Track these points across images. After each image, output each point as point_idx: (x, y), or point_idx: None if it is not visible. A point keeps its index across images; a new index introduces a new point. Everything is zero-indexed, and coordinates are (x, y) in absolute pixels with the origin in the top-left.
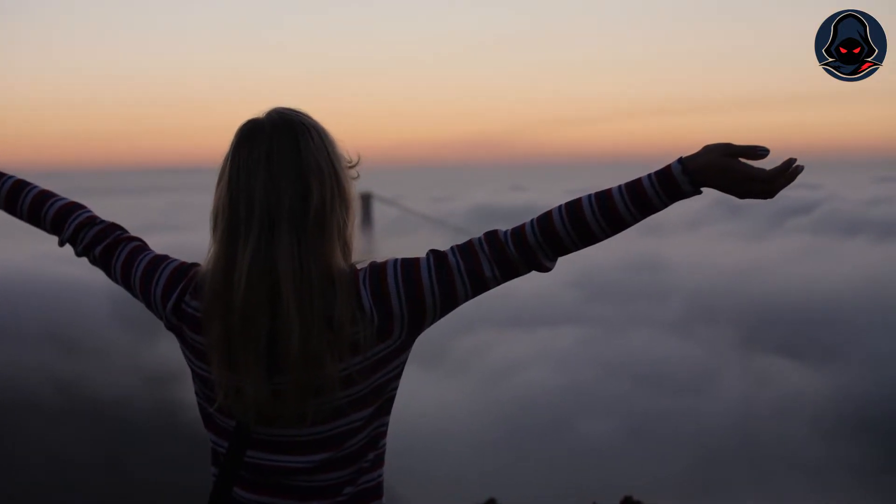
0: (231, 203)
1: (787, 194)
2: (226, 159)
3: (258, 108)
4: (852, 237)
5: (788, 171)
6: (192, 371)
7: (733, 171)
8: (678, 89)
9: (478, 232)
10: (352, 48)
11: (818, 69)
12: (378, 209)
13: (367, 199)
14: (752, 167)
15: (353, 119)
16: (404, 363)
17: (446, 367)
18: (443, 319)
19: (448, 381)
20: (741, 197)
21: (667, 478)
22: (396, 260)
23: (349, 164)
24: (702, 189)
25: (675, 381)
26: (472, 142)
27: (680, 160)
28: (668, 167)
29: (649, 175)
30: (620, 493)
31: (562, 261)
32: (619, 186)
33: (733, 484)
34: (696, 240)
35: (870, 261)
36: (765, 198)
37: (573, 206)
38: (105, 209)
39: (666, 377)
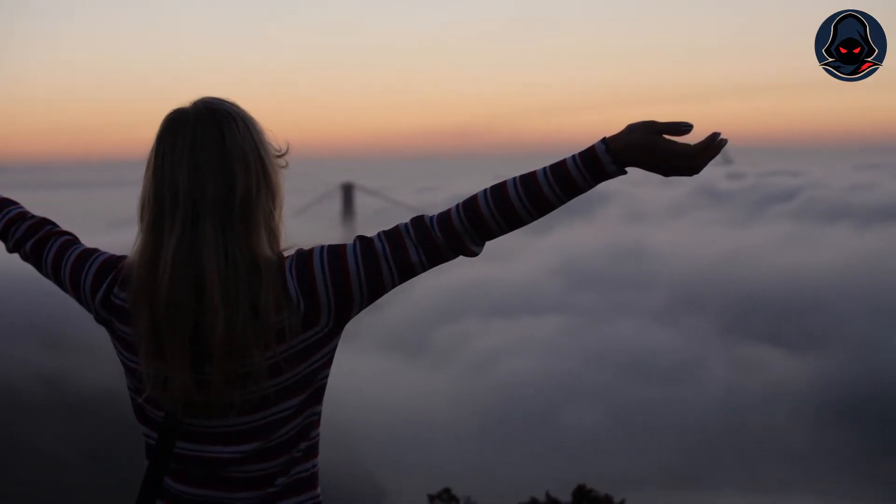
0: (156, 193)
1: (769, 181)
2: (151, 149)
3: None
4: (834, 224)
5: (713, 146)
6: (123, 363)
7: (657, 148)
8: (662, 78)
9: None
10: (335, 39)
11: (801, 58)
12: (361, 200)
13: (348, 190)
14: (676, 143)
15: (337, 110)
16: (333, 351)
17: (429, 356)
18: (425, 309)
19: (431, 370)
20: (666, 174)
21: (652, 467)
22: (323, 247)
23: (278, 154)
24: (626, 169)
25: (659, 370)
26: (457, 132)
27: (604, 140)
28: (592, 147)
29: (573, 156)
30: (606, 481)
31: (544, 249)
32: (544, 168)
33: (718, 472)
34: (679, 228)
35: (852, 248)
36: (690, 174)
37: (498, 190)
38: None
39: (650, 366)
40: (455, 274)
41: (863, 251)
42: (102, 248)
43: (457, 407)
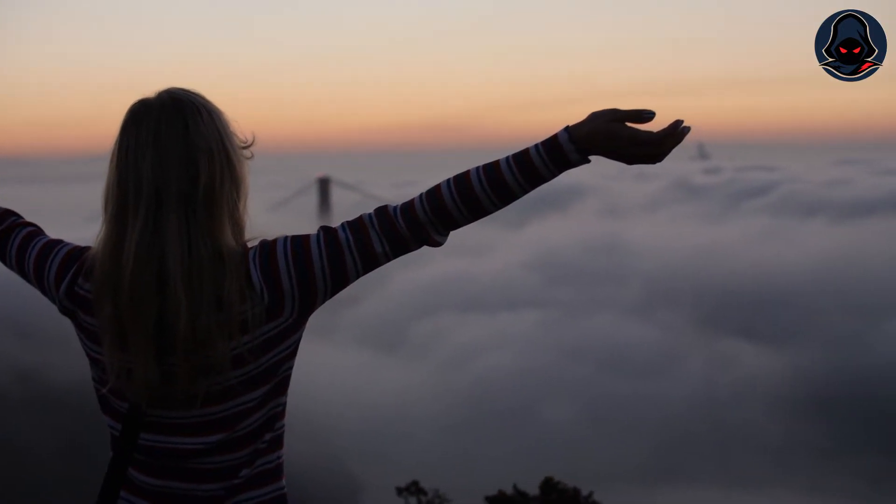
0: (120, 184)
1: (746, 176)
2: (116, 140)
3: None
4: (811, 219)
5: (676, 133)
6: (87, 354)
7: (620, 136)
8: (639, 74)
9: None
10: (313, 35)
11: (780, 55)
12: (337, 194)
13: (325, 184)
14: (639, 131)
15: (315, 105)
16: (298, 342)
17: (406, 351)
18: (401, 303)
19: (407, 365)
20: (630, 162)
21: (628, 461)
22: (287, 237)
23: (243, 145)
24: (590, 158)
25: (635, 365)
26: (434, 127)
27: (566, 128)
28: (555, 136)
29: (536, 145)
30: (581, 476)
31: (521, 244)
32: (507, 158)
33: (694, 466)
34: (656, 222)
35: (828, 243)
36: (653, 162)
37: (461, 179)
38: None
39: (627, 361)
40: (432, 269)
41: (839, 246)
42: (81, 243)
43: (433, 401)
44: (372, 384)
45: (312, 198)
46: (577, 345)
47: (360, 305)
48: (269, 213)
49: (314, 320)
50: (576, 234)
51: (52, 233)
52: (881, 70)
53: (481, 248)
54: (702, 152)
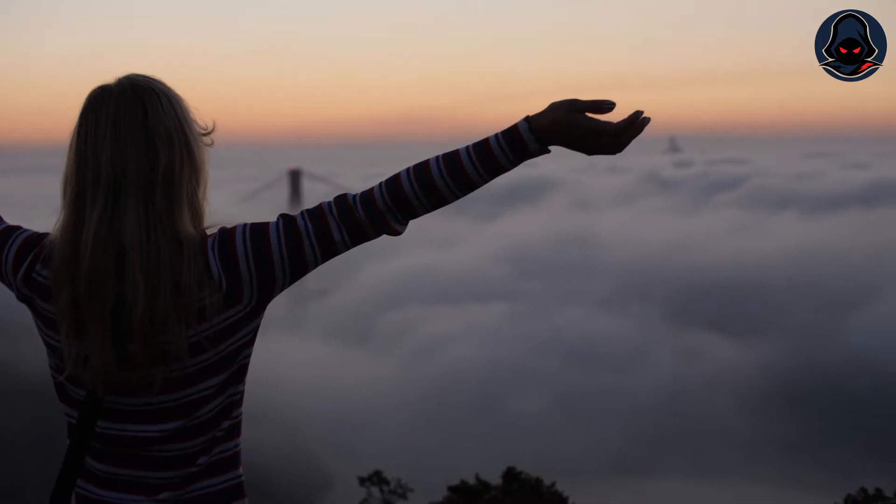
0: (78, 170)
1: (717, 170)
2: (75, 126)
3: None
4: (781, 212)
5: (635, 124)
6: (45, 342)
7: (580, 126)
8: (610, 67)
9: None
10: (285, 26)
11: (751, 48)
12: (308, 185)
13: (296, 176)
14: (599, 121)
15: (286, 96)
16: (256, 330)
17: (374, 343)
18: (370, 295)
19: (377, 357)
20: (590, 153)
21: (597, 454)
22: (246, 225)
23: (203, 132)
24: (549, 148)
25: (605, 358)
26: (405, 119)
27: (527, 118)
28: (515, 126)
29: (496, 135)
30: (550, 468)
31: (491, 236)
32: (468, 147)
33: (663, 459)
34: (626, 215)
35: (798, 236)
36: (613, 152)
37: (421, 168)
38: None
39: (596, 354)
40: (401, 261)
41: (808, 240)
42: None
43: (402, 393)
44: (340, 376)
45: (284, 190)
46: (547, 337)
47: (329, 297)
48: (241, 204)
49: (283, 313)
50: (546, 226)
51: (27, 224)
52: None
53: (451, 240)
54: (673, 146)
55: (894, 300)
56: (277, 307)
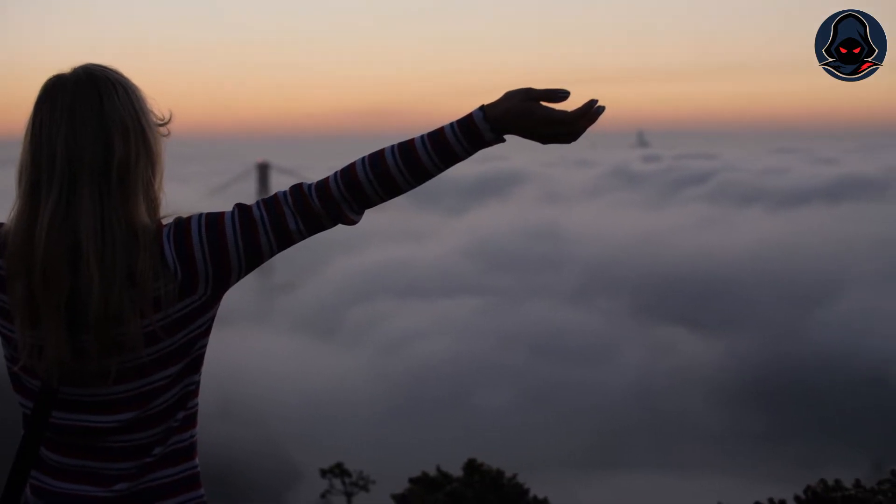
0: (33, 159)
1: (685, 164)
2: (30, 115)
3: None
4: (748, 207)
5: (590, 113)
6: (0, 333)
7: (535, 115)
8: (581, 61)
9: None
10: (253, 18)
11: (718, 43)
12: (276, 179)
13: (264, 169)
14: (553, 110)
15: (254, 89)
16: (212, 320)
17: (343, 337)
18: (339, 289)
19: (345, 351)
20: (544, 141)
21: (565, 448)
22: (201, 215)
23: (160, 122)
24: (505, 137)
25: (573, 352)
26: (374, 112)
27: (481, 107)
28: (470, 115)
29: (452, 124)
30: (517, 462)
31: (460, 230)
32: (422, 136)
33: (632, 453)
34: (594, 210)
35: (765, 231)
36: (568, 141)
37: (376, 158)
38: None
39: (564, 348)
40: (370, 254)
41: (775, 234)
42: None
43: (370, 387)
44: (309, 370)
45: (252, 183)
46: (515, 331)
47: (298, 291)
48: (209, 198)
49: (252, 306)
50: (515, 221)
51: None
52: (811, 57)
53: (420, 234)
54: (641, 140)
55: (860, 295)
56: (245, 301)
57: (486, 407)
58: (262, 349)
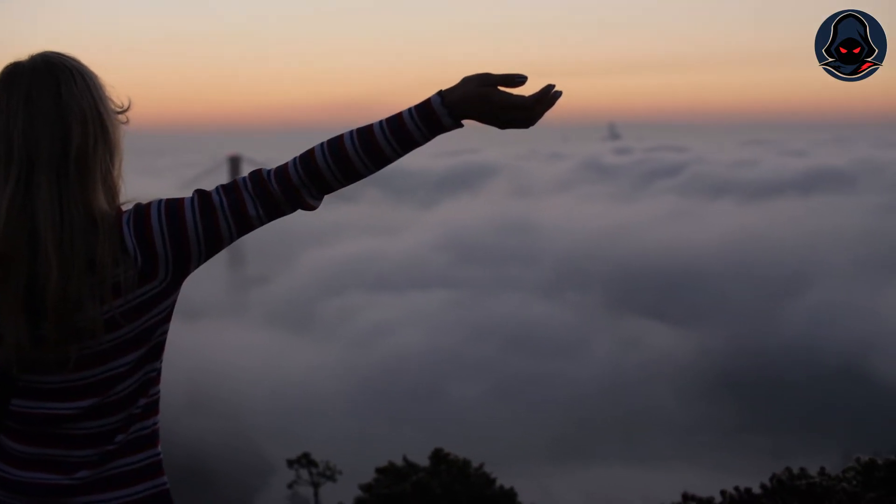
0: None
1: (656, 157)
2: None
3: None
4: (718, 199)
5: (547, 98)
6: None
7: (492, 100)
8: (553, 53)
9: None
10: (226, 10)
11: (690, 35)
12: (247, 172)
13: (235, 162)
14: (511, 95)
15: (227, 82)
16: (172, 307)
17: (315, 329)
18: (311, 282)
19: (317, 344)
20: (502, 126)
21: (535, 439)
22: (161, 201)
23: (118, 109)
24: (463, 122)
25: (544, 345)
26: (346, 105)
27: (440, 93)
28: (428, 101)
29: (410, 110)
30: (487, 453)
31: (431, 223)
32: (381, 122)
33: (602, 444)
34: (566, 202)
35: (735, 223)
36: (525, 126)
37: (335, 143)
38: None
39: (535, 340)
40: (341, 247)
41: (745, 226)
42: None
43: (343, 380)
44: (282, 363)
45: (223, 176)
46: (486, 324)
47: (270, 284)
48: (181, 191)
49: (224, 300)
50: (486, 214)
51: None
52: (787, 53)
53: (392, 227)
54: (613, 133)
55: (828, 287)
56: (218, 294)
57: (458, 399)
58: (235, 342)
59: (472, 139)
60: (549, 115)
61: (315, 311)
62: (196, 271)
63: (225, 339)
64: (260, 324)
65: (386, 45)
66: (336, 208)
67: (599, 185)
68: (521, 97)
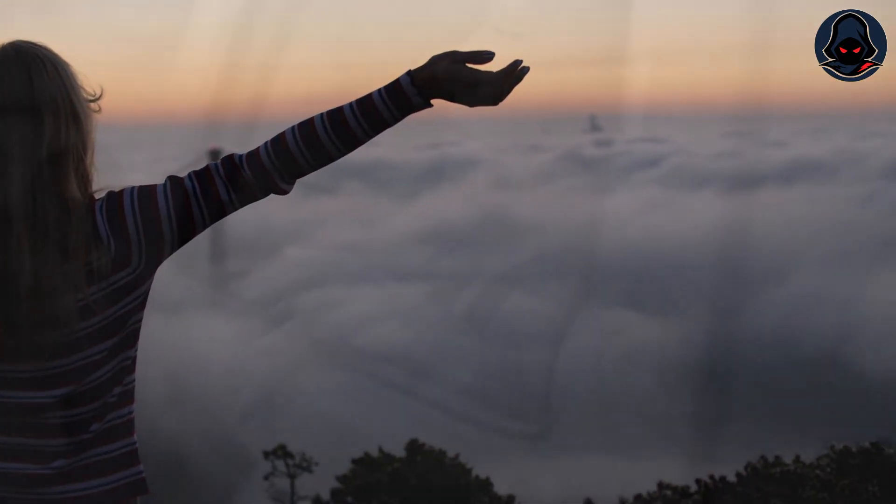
0: None
1: (636, 148)
2: None
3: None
4: (699, 191)
5: (515, 73)
6: None
7: (461, 77)
8: (533, 44)
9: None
10: (204, 4)
11: (672, 25)
12: None
13: (216, 156)
14: (479, 71)
15: (208, 74)
16: (146, 294)
17: (294, 322)
18: (290, 275)
19: (296, 337)
20: (471, 104)
21: (513, 431)
22: (134, 187)
23: (90, 98)
24: (432, 102)
25: (524, 336)
26: (328, 98)
27: (409, 72)
28: (398, 81)
29: (380, 90)
30: (464, 445)
31: (411, 215)
32: (351, 104)
33: (579, 436)
34: (546, 194)
35: (716, 214)
36: (494, 103)
37: (306, 126)
38: None
39: (515, 332)
40: (321, 239)
41: (726, 218)
42: None
43: (324, 373)
44: (260, 356)
45: None
46: (466, 317)
47: (248, 277)
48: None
49: (203, 293)
50: (467, 206)
51: None
52: (767, 44)
53: (371, 219)
54: (594, 124)
55: (809, 277)
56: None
57: (437, 392)
58: (214, 336)
59: (453, 131)
60: (530, 107)
61: (295, 304)
62: (176, 265)
63: (204, 334)
64: (239, 316)
65: (372, 38)
66: (316, 200)
67: (580, 178)
68: (489, 73)
